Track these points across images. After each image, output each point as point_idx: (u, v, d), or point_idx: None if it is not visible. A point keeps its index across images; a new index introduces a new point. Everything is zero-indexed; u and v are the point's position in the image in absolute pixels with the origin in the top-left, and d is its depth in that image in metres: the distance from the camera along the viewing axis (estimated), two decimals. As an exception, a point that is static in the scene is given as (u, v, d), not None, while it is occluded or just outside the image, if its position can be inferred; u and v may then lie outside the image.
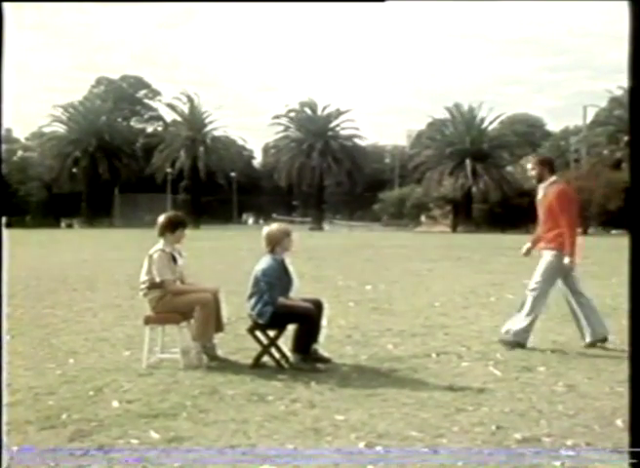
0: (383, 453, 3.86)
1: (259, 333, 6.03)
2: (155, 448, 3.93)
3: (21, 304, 9.46)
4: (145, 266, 6.10)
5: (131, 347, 6.63)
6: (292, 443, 4.01)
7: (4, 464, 3.44)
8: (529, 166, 7.43)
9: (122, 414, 4.55)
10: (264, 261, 6.10)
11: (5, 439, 3.72)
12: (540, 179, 7.02)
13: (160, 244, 6.15)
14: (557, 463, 3.70)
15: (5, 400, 4.06)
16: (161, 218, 6.30)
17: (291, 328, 6.07)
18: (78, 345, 6.87)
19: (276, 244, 6.15)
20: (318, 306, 6.16)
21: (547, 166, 7.07)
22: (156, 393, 5.08)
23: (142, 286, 6.12)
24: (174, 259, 6.15)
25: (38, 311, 9.08)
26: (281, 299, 5.98)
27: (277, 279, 6.01)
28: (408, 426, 4.30)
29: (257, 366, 5.86)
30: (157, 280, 6.01)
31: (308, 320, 5.99)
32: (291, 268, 6.32)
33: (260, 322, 5.96)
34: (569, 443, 4.01)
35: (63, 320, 8.40)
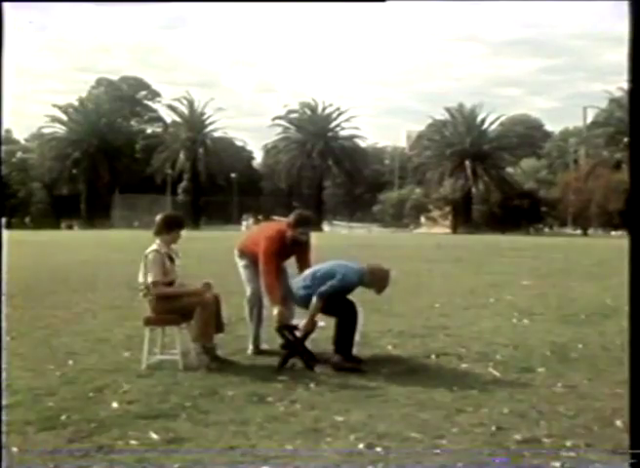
0: (383, 454, 3.86)
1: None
2: (155, 449, 3.93)
3: (21, 305, 9.45)
4: (143, 267, 6.09)
5: (131, 348, 6.62)
6: (292, 444, 4.00)
7: (4, 465, 3.44)
8: None
9: (122, 415, 4.55)
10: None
11: (5, 440, 3.73)
12: None
13: (155, 244, 6.13)
14: (557, 464, 3.71)
15: (5, 401, 4.07)
16: (158, 217, 6.29)
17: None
18: (78, 346, 6.87)
19: None
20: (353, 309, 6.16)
21: None
22: (156, 394, 5.08)
23: (141, 287, 6.11)
24: (170, 259, 6.12)
25: (38, 312, 9.06)
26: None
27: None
28: (408, 427, 4.30)
29: (283, 368, 5.80)
30: (149, 281, 5.98)
31: (351, 315, 6.05)
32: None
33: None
34: (569, 444, 4.01)
35: (63, 321, 8.40)
